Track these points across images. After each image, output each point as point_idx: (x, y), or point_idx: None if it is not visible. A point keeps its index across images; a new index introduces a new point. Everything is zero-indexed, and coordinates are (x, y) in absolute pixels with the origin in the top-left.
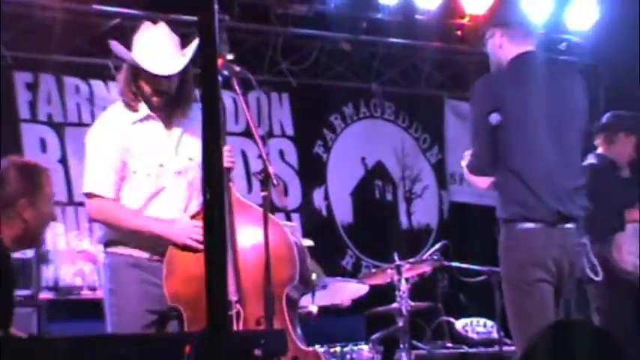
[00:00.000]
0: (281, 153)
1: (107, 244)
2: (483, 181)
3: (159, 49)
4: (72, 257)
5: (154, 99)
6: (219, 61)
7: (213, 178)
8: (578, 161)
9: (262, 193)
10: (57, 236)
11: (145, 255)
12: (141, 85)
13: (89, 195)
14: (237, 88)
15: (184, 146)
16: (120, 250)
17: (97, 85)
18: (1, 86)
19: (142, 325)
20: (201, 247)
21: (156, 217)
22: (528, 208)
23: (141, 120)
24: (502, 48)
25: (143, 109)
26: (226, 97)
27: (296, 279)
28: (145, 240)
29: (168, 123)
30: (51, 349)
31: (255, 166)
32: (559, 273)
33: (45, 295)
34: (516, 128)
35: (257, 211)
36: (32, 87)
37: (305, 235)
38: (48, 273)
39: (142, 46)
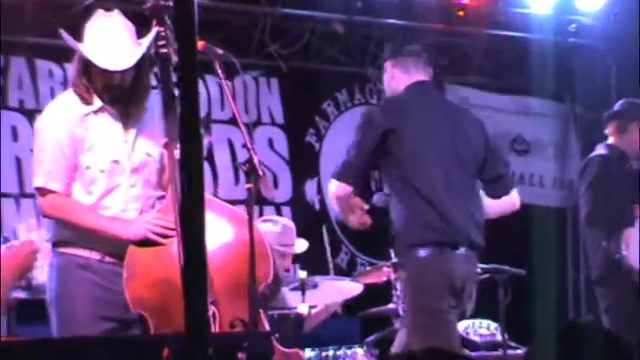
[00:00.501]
0: (270, 142)
1: (56, 243)
2: (342, 189)
3: (110, 41)
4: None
5: (107, 93)
6: (200, 44)
7: (192, 168)
8: (477, 194)
9: (247, 186)
10: (30, 231)
11: (96, 256)
12: (92, 78)
13: (41, 190)
14: (220, 72)
15: (141, 140)
16: (69, 250)
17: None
18: None
19: (92, 333)
20: (163, 240)
21: (113, 216)
22: (437, 231)
23: (95, 112)
24: (394, 79)
25: (97, 101)
26: (212, 82)
27: (271, 277)
28: (100, 240)
29: (124, 116)
30: (16, 353)
31: (243, 156)
32: (462, 297)
33: (16, 295)
34: (412, 154)
35: (222, 206)
36: (2, 71)
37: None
38: None
39: (93, 37)
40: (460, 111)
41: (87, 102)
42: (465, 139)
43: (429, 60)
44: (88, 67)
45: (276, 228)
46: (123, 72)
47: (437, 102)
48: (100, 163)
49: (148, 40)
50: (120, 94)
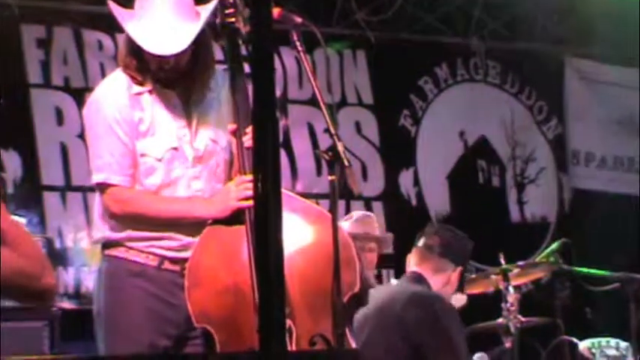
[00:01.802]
0: (357, 126)
1: (105, 245)
2: None
3: (161, 18)
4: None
5: (161, 74)
6: (275, 12)
7: (266, 157)
8: None
9: (329, 178)
10: (79, 230)
11: (154, 262)
12: (144, 59)
13: (102, 186)
14: (298, 44)
15: (205, 125)
16: (122, 253)
17: None
18: (6, 43)
19: (145, 351)
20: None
21: (189, 197)
22: None
23: (150, 92)
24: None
25: (150, 82)
26: (289, 56)
27: (358, 286)
28: (180, 230)
29: (183, 97)
30: None
31: (325, 142)
32: None
33: (63, 304)
34: None
35: (300, 202)
36: (44, 44)
37: (390, 229)
38: (67, 277)
39: (142, 13)
40: None
41: (139, 83)
42: None
43: None
44: (138, 47)
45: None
46: (177, 54)
47: None
48: (157, 150)
49: (208, 11)
50: (176, 75)
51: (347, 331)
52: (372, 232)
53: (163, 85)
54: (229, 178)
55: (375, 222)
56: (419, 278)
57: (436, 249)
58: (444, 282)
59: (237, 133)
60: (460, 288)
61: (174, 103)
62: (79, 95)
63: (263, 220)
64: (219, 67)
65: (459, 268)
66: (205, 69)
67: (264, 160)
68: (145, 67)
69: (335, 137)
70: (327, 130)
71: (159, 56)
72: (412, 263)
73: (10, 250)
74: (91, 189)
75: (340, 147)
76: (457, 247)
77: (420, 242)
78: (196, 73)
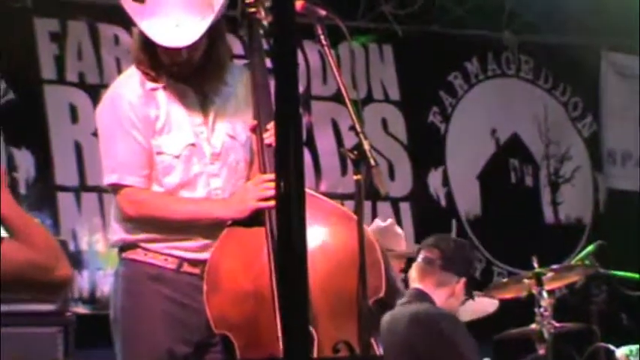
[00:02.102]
0: (384, 123)
1: (123, 248)
2: None
3: (172, 9)
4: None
5: (175, 69)
6: (298, 4)
7: (289, 156)
8: None
9: (355, 177)
10: (94, 232)
11: (172, 265)
12: (157, 53)
13: (116, 187)
14: (322, 38)
15: (222, 121)
16: (139, 256)
17: None
18: (19, 37)
19: (165, 359)
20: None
21: (206, 197)
22: None
23: (164, 88)
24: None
25: (164, 77)
26: (312, 50)
27: (383, 290)
28: (195, 233)
29: (199, 92)
30: None
31: (350, 140)
32: None
33: (78, 310)
34: None
35: (324, 203)
36: (58, 38)
37: (419, 231)
38: (81, 281)
39: (154, 9)
40: None
41: (153, 79)
42: None
43: None
44: (150, 41)
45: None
46: (190, 46)
47: None
48: (174, 147)
49: (221, 3)
50: (191, 70)
51: (373, 336)
52: (398, 248)
53: (178, 81)
54: (249, 177)
55: (399, 234)
56: (421, 295)
57: (437, 262)
58: (447, 295)
59: (257, 130)
60: (470, 295)
61: (190, 98)
62: (95, 92)
63: (286, 222)
64: (238, 62)
65: (463, 279)
66: (220, 63)
67: (287, 159)
68: (158, 62)
69: (361, 135)
70: (352, 128)
71: (171, 50)
72: (413, 279)
73: (19, 241)
74: (107, 190)
75: (366, 145)
76: (459, 257)
77: (420, 257)
78: (211, 67)
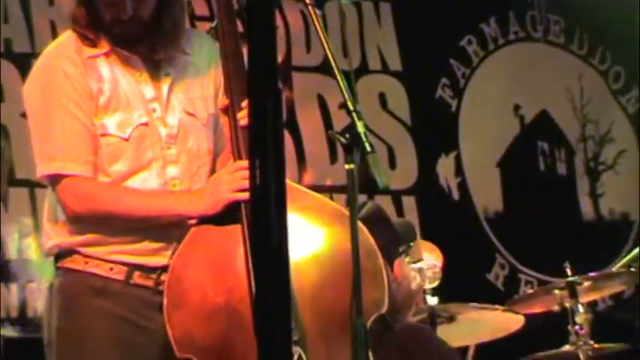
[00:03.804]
0: (382, 99)
1: (59, 256)
2: None
3: None
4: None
5: (117, 30)
6: None
7: (267, 143)
8: None
9: (347, 166)
10: (24, 236)
11: (120, 275)
12: (97, 9)
13: (55, 178)
14: None
15: (179, 95)
16: (79, 265)
17: None
18: None
19: None
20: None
21: (168, 190)
22: None
23: (106, 55)
24: None
25: (105, 42)
26: (292, 11)
27: (385, 304)
28: (149, 233)
29: (149, 60)
30: None
31: (341, 119)
32: None
33: (4, 332)
34: None
35: (310, 198)
36: None
37: (426, 231)
38: (9, 296)
39: None
40: None
41: (92, 43)
42: None
43: None
44: None
45: None
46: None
47: None
48: (122, 127)
49: None
50: (138, 32)
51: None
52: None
53: (123, 46)
54: (213, 166)
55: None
56: None
57: None
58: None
59: (229, 110)
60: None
61: (138, 68)
62: (24, 63)
63: (263, 220)
64: (201, 26)
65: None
66: (175, 25)
67: (264, 143)
68: (98, 20)
69: (354, 114)
70: (343, 105)
71: (114, 1)
72: None
73: None
74: (40, 184)
75: (361, 127)
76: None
77: None
78: (163, 30)
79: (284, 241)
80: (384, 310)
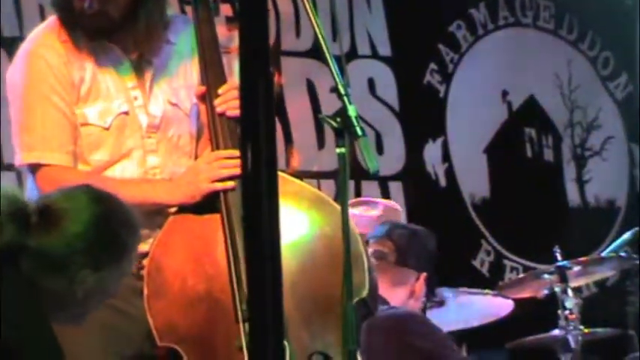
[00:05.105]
0: (370, 84)
1: None
2: None
3: None
4: None
5: (85, 22)
6: None
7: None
8: None
9: (338, 150)
10: None
11: None
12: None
13: (35, 167)
14: None
15: (162, 85)
16: None
17: None
18: None
19: None
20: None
21: (146, 178)
22: None
23: (88, 43)
24: None
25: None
26: None
27: (366, 288)
28: None
29: (131, 50)
30: None
31: (330, 104)
32: None
33: None
34: None
35: (297, 185)
36: None
37: (412, 216)
38: None
39: None
40: None
41: (74, 31)
42: None
43: None
44: None
45: (373, 212)
46: None
47: None
48: (103, 116)
49: None
50: (108, 26)
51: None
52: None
53: (99, 36)
54: (196, 154)
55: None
56: None
57: (390, 256)
58: (407, 295)
59: (206, 97)
60: (432, 294)
61: (120, 57)
62: (12, 46)
63: (255, 208)
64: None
65: (423, 275)
66: (151, 24)
67: (255, 129)
68: (70, 8)
69: (345, 98)
70: (334, 90)
71: None
72: None
73: None
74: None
75: (352, 111)
76: (417, 249)
77: (369, 251)
78: (139, 28)
79: (276, 227)
80: (364, 294)
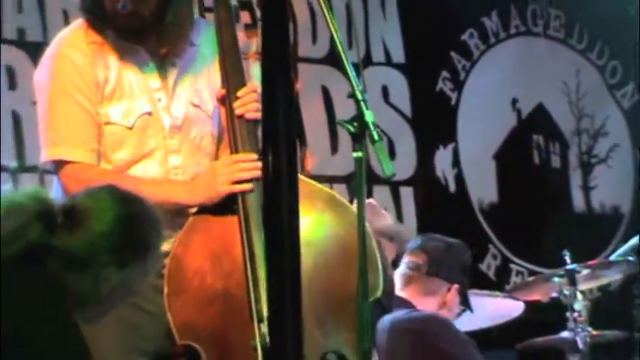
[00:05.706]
0: (384, 91)
1: None
2: None
3: None
4: None
5: (118, 22)
6: None
7: (280, 131)
8: None
9: (355, 154)
10: None
11: None
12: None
13: (60, 164)
14: None
15: (186, 87)
16: None
17: None
18: None
19: None
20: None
21: (167, 179)
22: None
23: (114, 44)
24: None
25: (110, 32)
26: (299, 3)
27: (380, 288)
28: None
29: (156, 52)
30: None
31: (344, 110)
32: None
33: None
34: None
35: (306, 185)
36: None
37: (423, 220)
38: None
39: None
40: None
41: (100, 32)
42: None
43: None
44: None
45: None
46: None
47: None
48: (126, 116)
49: None
50: (140, 26)
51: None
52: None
53: (127, 38)
54: (217, 155)
55: (384, 213)
56: (403, 304)
57: (423, 267)
58: (438, 305)
59: (226, 100)
60: (467, 305)
61: (144, 58)
62: (37, 51)
63: (275, 210)
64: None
65: (455, 286)
66: (179, 22)
67: (276, 131)
68: (102, 10)
69: (362, 104)
70: (351, 95)
71: None
72: (396, 287)
73: None
74: (48, 169)
75: (369, 116)
76: (449, 260)
77: (404, 261)
78: (167, 26)
79: (296, 228)
80: (379, 293)
